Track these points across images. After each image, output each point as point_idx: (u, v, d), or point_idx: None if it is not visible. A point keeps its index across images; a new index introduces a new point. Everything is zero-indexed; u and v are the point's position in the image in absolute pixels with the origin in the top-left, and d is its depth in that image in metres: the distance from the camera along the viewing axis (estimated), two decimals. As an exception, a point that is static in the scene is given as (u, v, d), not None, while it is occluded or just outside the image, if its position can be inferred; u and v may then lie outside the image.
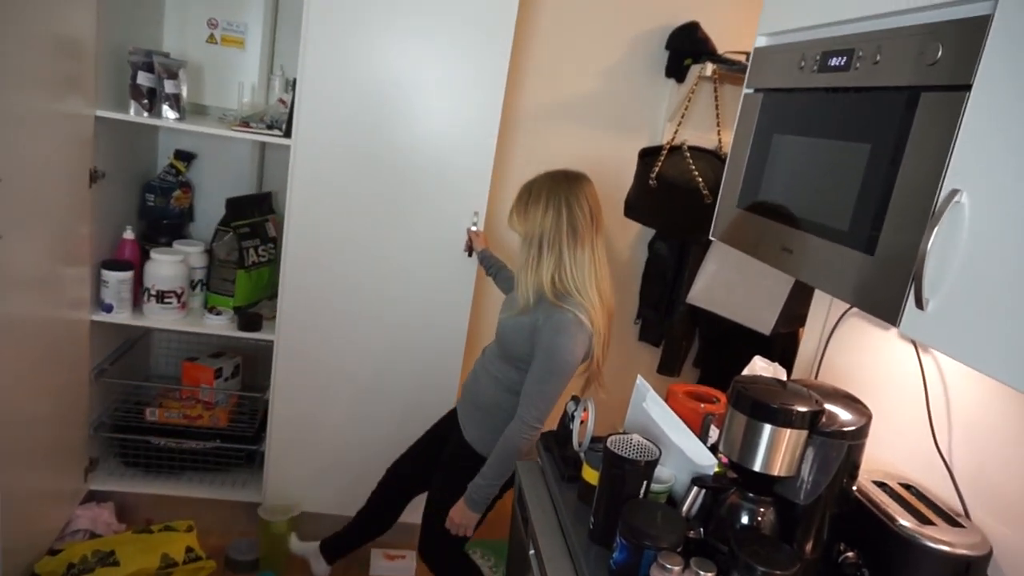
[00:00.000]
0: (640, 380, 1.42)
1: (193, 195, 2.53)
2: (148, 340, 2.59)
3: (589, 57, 2.61)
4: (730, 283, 2.32)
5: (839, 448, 1.12)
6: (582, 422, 1.42)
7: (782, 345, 2.42)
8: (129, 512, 2.36)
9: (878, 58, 1.03)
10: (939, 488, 1.20)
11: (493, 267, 2.16)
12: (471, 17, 2.10)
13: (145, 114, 2.12)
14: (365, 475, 2.23)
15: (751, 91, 1.41)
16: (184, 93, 2.19)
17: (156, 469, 2.35)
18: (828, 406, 1.15)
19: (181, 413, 2.35)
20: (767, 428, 1.12)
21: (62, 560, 1.83)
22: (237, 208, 2.37)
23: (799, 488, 1.15)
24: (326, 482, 2.39)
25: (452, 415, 2.01)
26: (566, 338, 1.63)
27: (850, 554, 1.15)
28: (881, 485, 1.20)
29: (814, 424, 1.12)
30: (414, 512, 2.12)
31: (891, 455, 1.31)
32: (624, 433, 1.27)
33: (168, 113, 2.14)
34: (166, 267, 2.18)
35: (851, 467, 1.14)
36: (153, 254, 2.20)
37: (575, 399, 1.49)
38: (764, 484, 1.16)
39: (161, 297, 2.18)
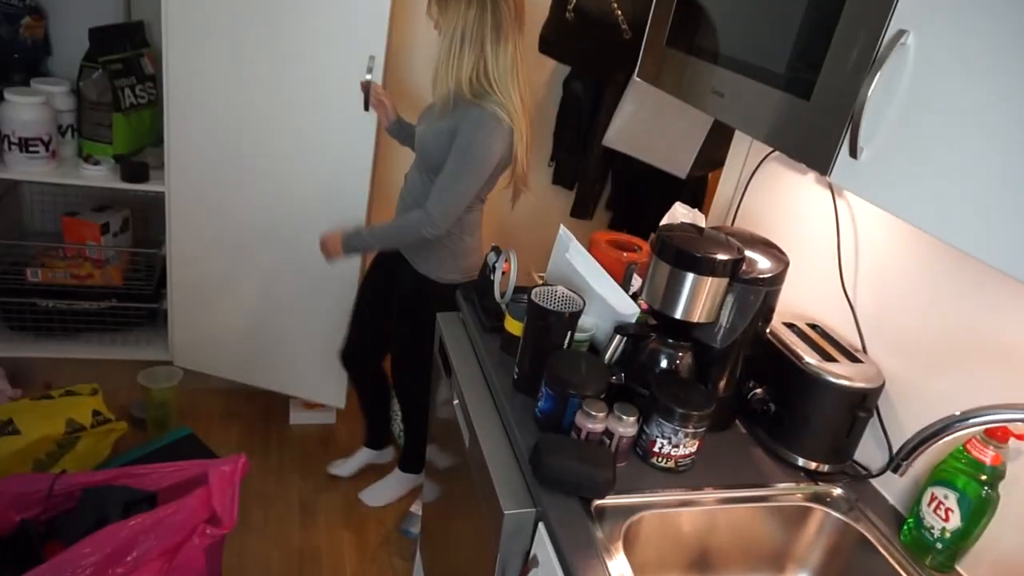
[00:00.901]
0: (563, 230, 1.39)
1: (47, 23, 2.18)
2: (17, 193, 2.32)
3: None
4: (647, 125, 2.28)
5: (757, 294, 1.15)
6: (503, 273, 1.40)
7: (692, 188, 2.45)
8: (24, 377, 2.24)
9: None
10: (843, 328, 1.27)
11: (409, 138, 1.95)
12: None
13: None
14: (270, 333, 2.18)
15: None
16: None
17: (48, 332, 2.20)
18: (748, 253, 1.17)
19: (68, 273, 2.17)
20: (690, 277, 1.13)
21: (-46, 432, 1.73)
22: (103, 40, 2.06)
23: (716, 333, 1.18)
24: (231, 341, 2.31)
25: (378, 265, 1.97)
26: (483, 133, 1.61)
27: (758, 391, 1.22)
28: (790, 326, 1.26)
29: (735, 272, 1.14)
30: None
31: (801, 297, 1.37)
32: (547, 284, 1.26)
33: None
34: (27, 110, 1.91)
35: (766, 312, 1.19)
36: (7, 95, 1.91)
37: (495, 249, 1.45)
38: (683, 330, 1.19)
39: (25, 145, 1.93)
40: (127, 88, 2.08)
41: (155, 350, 2.31)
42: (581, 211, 2.73)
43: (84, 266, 2.20)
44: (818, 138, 0.93)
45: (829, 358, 1.18)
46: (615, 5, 2.26)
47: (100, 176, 2.05)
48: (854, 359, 1.18)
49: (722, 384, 1.22)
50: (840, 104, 0.89)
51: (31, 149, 1.93)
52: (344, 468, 2.25)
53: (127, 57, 2.11)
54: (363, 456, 2.27)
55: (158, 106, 2.11)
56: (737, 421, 1.29)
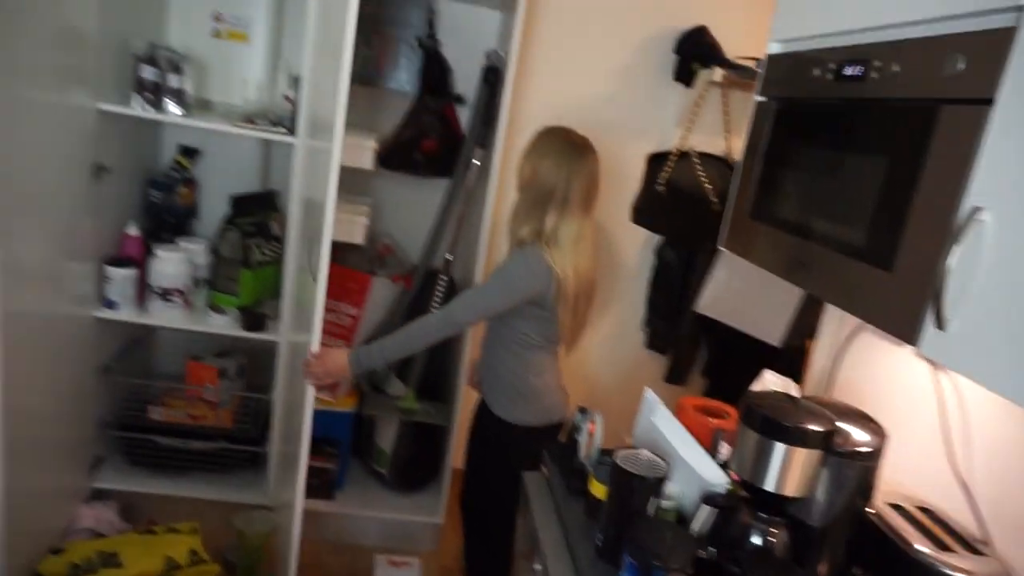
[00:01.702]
0: (649, 393, 1.40)
1: (198, 192, 2.51)
2: (153, 337, 2.58)
3: (597, 59, 2.59)
4: (739, 292, 2.30)
5: (854, 469, 1.10)
6: (589, 434, 1.40)
7: (791, 357, 2.40)
8: (133, 511, 2.34)
9: (896, 68, 1.01)
10: (957, 512, 1.17)
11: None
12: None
13: (149, 108, 2.09)
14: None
15: (763, 99, 1.38)
16: (188, 88, 2.17)
17: (161, 468, 2.33)
18: (842, 425, 1.13)
19: (186, 412, 2.33)
20: (780, 447, 1.09)
21: (65, 560, 1.82)
22: (242, 205, 2.35)
23: (813, 509, 1.12)
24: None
25: (477, 417, 2.00)
26: (519, 262, 1.68)
27: (863, 578, 1.13)
28: (897, 508, 1.17)
29: (828, 444, 1.10)
30: (424, 512, 2.10)
31: (906, 477, 1.28)
32: (633, 448, 1.25)
33: (172, 108, 2.12)
34: (170, 264, 2.16)
35: (866, 488, 1.12)
36: (157, 251, 2.18)
37: (582, 410, 1.47)
38: (777, 504, 1.14)
39: (165, 295, 2.16)
40: (256, 246, 2.33)
41: (254, 493, 2.37)
42: (675, 377, 2.71)
43: (200, 407, 2.36)
44: (903, 309, 0.92)
45: (944, 547, 1.08)
46: (704, 179, 2.38)
47: (224, 324, 2.25)
48: (974, 550, 1.08)
49: (823, 568, 1.13)
50: (922, 275, 0.89)
51: (170, 298, 2.17)
52: None
53: (259, 220, 2.39)
54: None
55: (280, 264, 2.34)
56: (842, 611, 1.18)
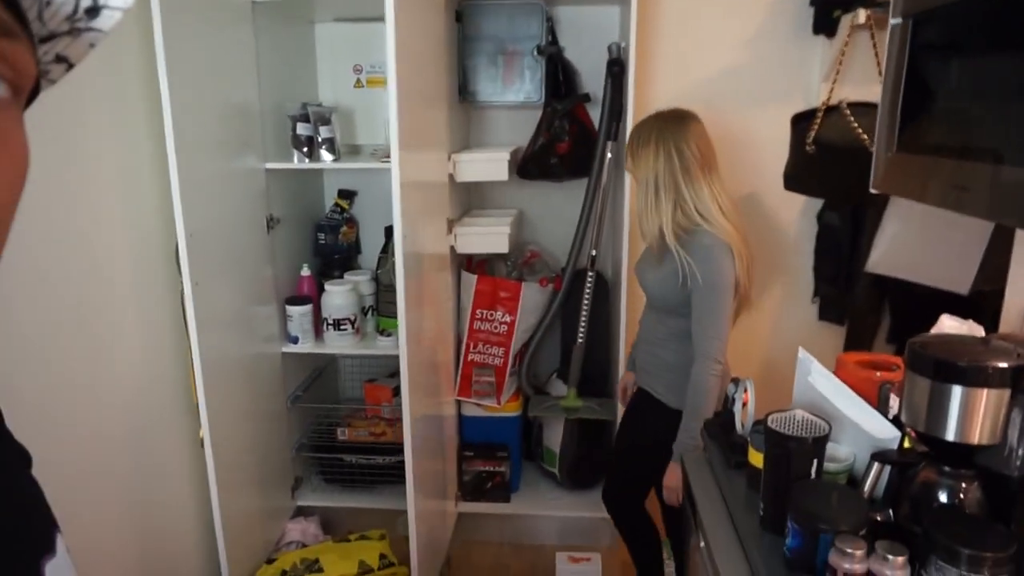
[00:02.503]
0: (802, 352, 1.30)
1: (358, 228, 2.73)
2: (335, 366, 2.82)
3: (724, 31, 2.48)
4: (915, 243, 2.07)
5: (1055, 407, 0.94)
6: (744, 404, 1.33)
7: (993, 305, 2.11)
8: (332, 524, 2.57)
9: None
10: None
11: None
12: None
13: (306, 160, 2.32)
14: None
15: (899, 20, 1.25)
16: (338, 136, 2.37)
17: (352, 484, 2.52)
18: (1037, 360, 0.97)
19: (367, 431, 2.52)
20: (957, 390, 0.97)
21: (277, 568, 2.03)
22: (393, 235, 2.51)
23: (1009, 458, 0.98)
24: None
25: (628, 412, 2.02)
26: (714, 263, 1.66)
27: (1088, 533, 0.96)
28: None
29: (1018, 381, 0.95)
30: (598, 508, 2.09)
31: None
32: (787, 410, 1.16)
33: (325, 156, 2.33)
34: (339, 297, 2.36)
35: (1074, 428, 0.96)
36: (327, 286, 2.39)
37: (734, 381, 1.39)
38: (963, 455, 1.01)
39: (338, 325, 2.36)
40: (415, 271, 2.48)
41: (437, 502, 2.50)
42: (856, 347, 2.48)
43: (379, 425, 2.53)
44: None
45: None
46: (858, 130, 2.18)
47: (391, 346, 2.40)
48: None
49: (1030, 523, 0.98)
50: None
51: (342, 328, 2.36)
52: None
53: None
54: None
55: (437, 283, 2.47)
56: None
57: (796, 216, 2.58)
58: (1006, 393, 0.95)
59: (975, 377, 0.95)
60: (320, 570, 2.01)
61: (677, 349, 1.78)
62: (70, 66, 0.43)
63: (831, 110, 2.26)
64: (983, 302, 2.05)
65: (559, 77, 2.54)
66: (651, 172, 1.73)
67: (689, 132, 1.74)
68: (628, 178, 2.25)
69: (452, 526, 2.49)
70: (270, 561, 2.07)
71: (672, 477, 1.74)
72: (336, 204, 2.68)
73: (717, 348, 1.68)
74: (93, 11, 0.40)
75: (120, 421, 1.66)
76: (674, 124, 1.75)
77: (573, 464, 2.55)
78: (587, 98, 2.54)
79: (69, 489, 1.47)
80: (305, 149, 2.33)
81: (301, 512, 2.50)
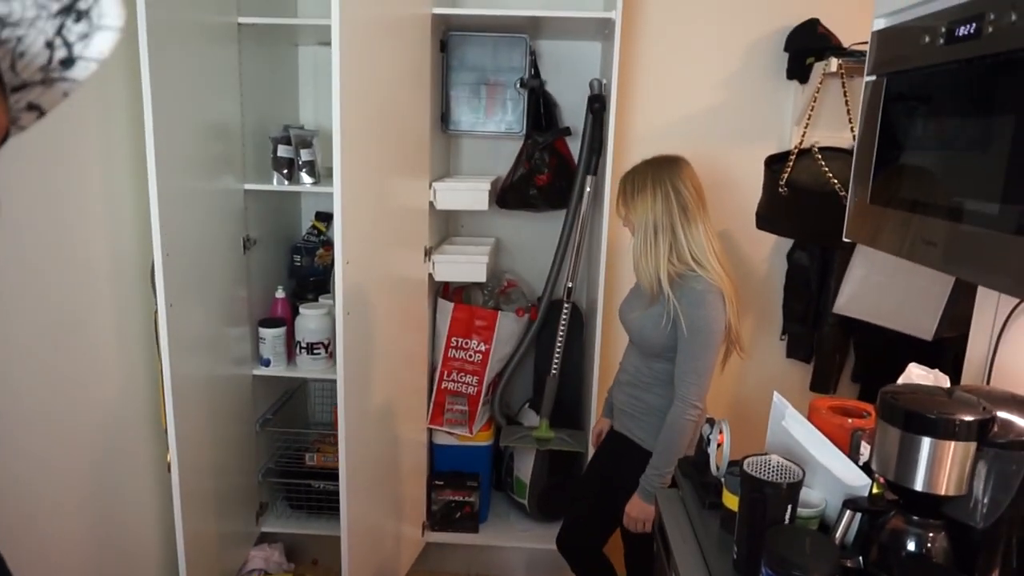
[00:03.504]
0: (777, 397, 1.33)
1: (335, 251, 2.71)
2: (305, 390, 2.79)
3: (702, 71, 2.55)
4: (881, 287, 2.13)
5: (1019, 461, 0.98)
6: (719, 445, 1.35)
7: (955, 351, 2.17)
8: (297, 552, 2.52)
9: (1013, 17, 0.92)
10: None
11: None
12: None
13: (285, 182, 2.31)
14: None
15: (874, 78, 1.31)
16: (319, 159, 2.37)
17: (318, 511, 2.49)
18: (1001, 414, 1.01)
19: (336, 457, 2.48)
20: (926, 442, 1.00)
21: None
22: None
23: (974, 509, 1.01)
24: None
25: (599, 452, 2.01)
26: (705, 309, 1.67)
27: (1048, 585, 0.99)
28: (1079, 502, 1.03)
29: (983, 435, 0.99)
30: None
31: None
32: (763, 454, 1.19)
33: (305, 179, 2.32)
34: (313, 320, 2.34)
35: (1036, 482, 0.99)
36: (302, 309, 2.37)
37: (710, 421, 1.42)
38: (930, 505, 1.04)
39: (311, 349, 2.34)
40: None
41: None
42: (821, 385, 2.53)
43: (350, 451, 2.50)
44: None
45: None
46: (829, 174, 2.25)
47: (364, 371, 2.39)
48: None
49: (993, 574, 1.01)
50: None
51: (315, 352, 2.34)
52: None
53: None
54: None
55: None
56: (1026, 626, 1.04)
57: (767, 254, 2.64)
58: (972, 446, 0.99)
59: (944, 429, 0.98)
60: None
61: (662, 393, 1.78)
62: (42, 114, 0.43)
63: (803, 153, 2.33)
64: (946, 346, 2.11)
65: (540, 110, 2.58)
66: (649, 215, 1.74)
67: (683, 172, 1.77)
68: (607, 212, 2.28)
69: (415, 555, 2.45)
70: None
71: (636, 509, 1.74)
72: (314, 226, 2.67)
73: (696, 393, 1.69)
74: (68, 62, 0.40)
75: (90, 441, 1.62)
76: (668, 165, 1.78)
77: (543, 495, 2.54)
78: (568, 132, 2.58)
79: (33, 501, 1.43)
80: (285, 171, 2.32)
81: (265, 539, 2.45)
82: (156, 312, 1.75)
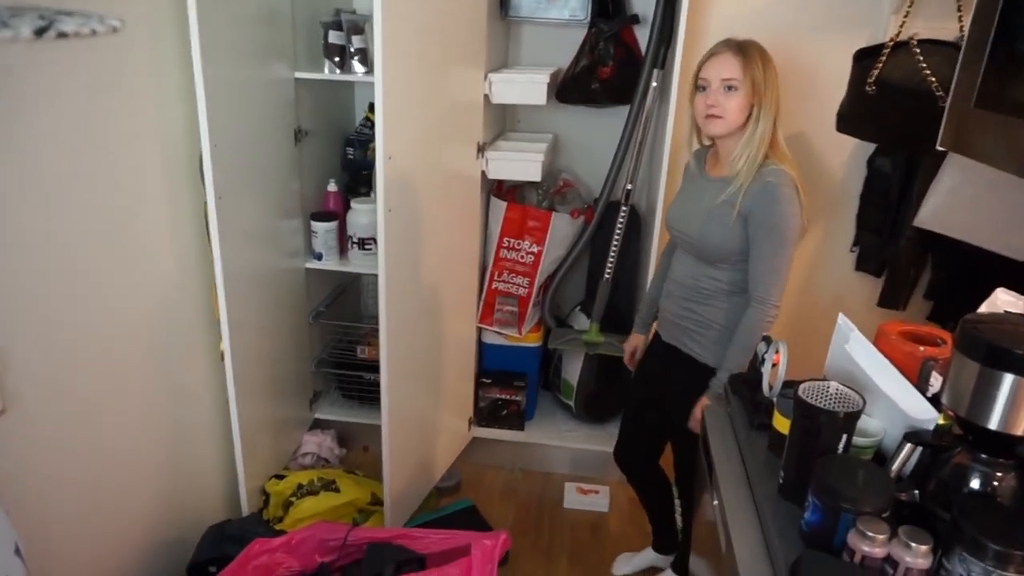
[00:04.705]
0: (842, 319, 1.23)
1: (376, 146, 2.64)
2: (358, 284, 2.81)
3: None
4: (972, 201, 1.94)
5: (1112, 404, 0.88)
6: (773, 365, 1.28)
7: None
8: (349, 439, 2.62)
9: None
10: None
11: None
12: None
13: (337, 71, 2.22)
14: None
15: (995, -45, 1.11)
16: (371, 47, 2.26)
17: (370, 401, 2.55)
18: (1098, 351, 0.91)
19: (390, 351, 2.52)
20: (1008, 379, 0.91)
21: (291, 481, 2.09)
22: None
23: (1052, 451, 0.93)
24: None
25: (650, 358, 1.94)
26: (784, 204, 1.58)
27: None
28: None
29: (1075, 374, 0.89)
30: (611, 443, 2.10)
31: None
32: (821, 379, 1.11)
33: (357, 67, 2.23)
34: (364, 215, 2.31)
35: None
36: (354, 204, 2.34)
37: (766, 339, 1.34)
38: (1003, 444, 0.95)
39: (362, 244, 2.33)
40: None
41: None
42: (891, 300, 2.40)
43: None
44: None
45: None
46: (927, 71, 2.02)
47: (415, 268, 2.37)
48: None
49: (1066, 520, 0.94)
50: None
51: (366, 247, 2.33)
52: (626, 567, 2.19)
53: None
54: (647, 558, 2.18)
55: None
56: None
57: (845, 159, 2.44)
58: (1061, 385, 0.89)
59: (1030, 366, 0.89)
60: (337, 490, 2.06)
61: (721, 306, 1.69)
62: None
63: (899, 47, 2.09)
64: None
65: (605, -5, 2.38)
66: (775, 94, 1.62)
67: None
68: (672, 110, 2.13)
69: (461, 448, 2.52)
70: (280, 476, 2.12)
71: (702, 410, 1.66)
72: (367, 118, 2.59)
73: (776, 293, 1.59)
74: None
75: (147, 328, 1.66)
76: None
77: (590, 398, 2.55)
78: (636, 20, 2.39)
79: (91, 388, 1.49)
80: (337, 59, 2.23)
81: (318, 425, 2.55)
82: (206, 204, 1.74)
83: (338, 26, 2.21)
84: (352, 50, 2.22)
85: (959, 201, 2.00)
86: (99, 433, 1.52)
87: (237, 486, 2.01)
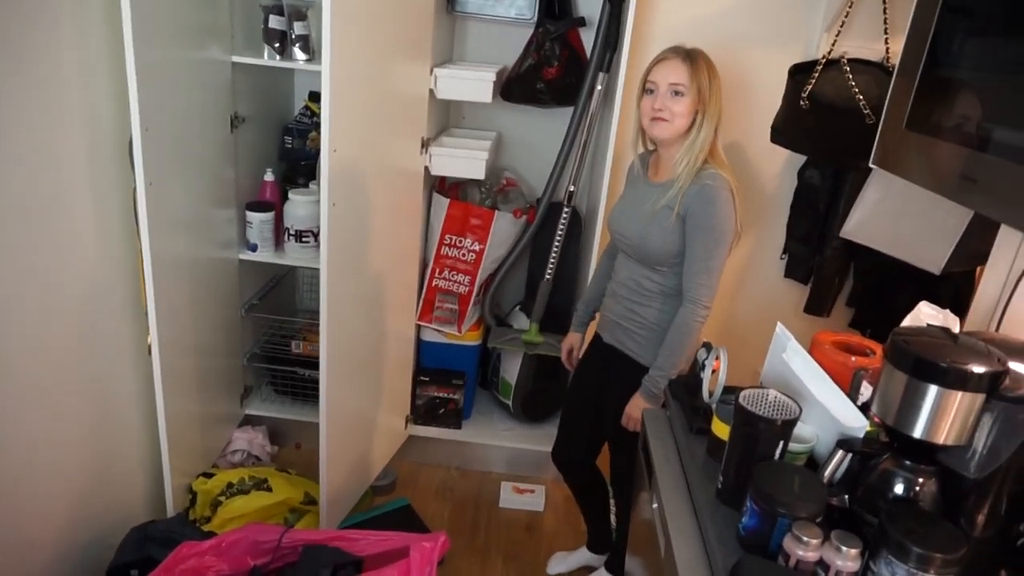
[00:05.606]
0: (780, 328, 1.28)
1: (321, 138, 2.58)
2: (293, 277, 2.73)
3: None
4: (893, 215, 2.05)
5: (1025, 415, 0.94)
6: (713, 371, 1.31)
7: (955, 287, 2.13)
8: (280, 436, 2.56)
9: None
10: None
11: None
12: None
13: (277, 57, 2.15)
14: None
15: (929, -15, 1.17)
16: (313, 34, 2.20)
17: (303, 397, 2.50)
18: (1014, 365, 0.97)
19: (322, 346, 2.47)
20: (932, 390, 0.96)
21: (221, 480, 2.01)
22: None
23: (970, 460, 0.98)
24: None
25: (590, 359, 1.95)
26: (719, 205, 1.62)
27: (1033, 538, 0.98)
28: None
29: (994, 388, 0.94)
30: (547, 443, 2.12)
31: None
32: (760, 387, 1.15)
33: (298, 55, 2.16)
34: (302, 207, 2.25)
35: (1039, 438, 0.96)
36: (291, 195, 2.27)
37: (706, 345, 1.38)
38: (925, 452, 1.01)
39: (299, 236, 2.26)
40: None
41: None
42: (816, 307, 2.51)
43: (336, 341, 2.48)
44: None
45: None
46: (855, 89, 2.12)
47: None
48: None
49: (979, 522, 1.00)
50: None
51: (303, 240, 2.27)
52: (561, 565, 2.21)
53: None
54: (582, 557, 2.21)
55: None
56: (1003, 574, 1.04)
57: (777, 170, 2.53)
58: (980, 397, 0.95)
59: (953, 379, 0.94)
60: (269, 489, 2.00)
61: (661, 307, 1.72)
62: None
63: (831, 64, 2.18)
64: (948, 281, 2.07)
65: (553, -4, 2.38)
66: (719, 103, 1.67)
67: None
68: (617, 113, 2.16)
69: (397, 446, 2.49)
70: (208, 475, 2.04)
71: (635, 408, 1.71)
72: (307, 107, 2.53)
73: (707, 294, 1.63)
74: None
75: (65, 322, 1.57)
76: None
77: (528, 398, 2.56)
78: (583, 22, 2.40)
79: (14, 379, 1.40)
80: (277, 44, 2.15)
81: (249, 421, 2.47)
82: (135, 190, 1.66)
83: (279, 11, 2.13)
84: (293, 36, 2.15)
85: (881, 214, 2.11)
86: (15, 427, 1.43)
87: (162, 484, 1.93)
